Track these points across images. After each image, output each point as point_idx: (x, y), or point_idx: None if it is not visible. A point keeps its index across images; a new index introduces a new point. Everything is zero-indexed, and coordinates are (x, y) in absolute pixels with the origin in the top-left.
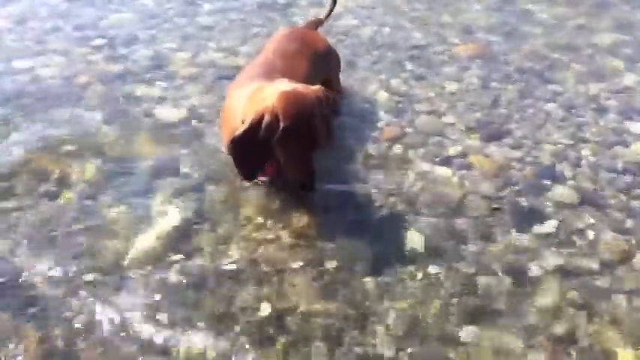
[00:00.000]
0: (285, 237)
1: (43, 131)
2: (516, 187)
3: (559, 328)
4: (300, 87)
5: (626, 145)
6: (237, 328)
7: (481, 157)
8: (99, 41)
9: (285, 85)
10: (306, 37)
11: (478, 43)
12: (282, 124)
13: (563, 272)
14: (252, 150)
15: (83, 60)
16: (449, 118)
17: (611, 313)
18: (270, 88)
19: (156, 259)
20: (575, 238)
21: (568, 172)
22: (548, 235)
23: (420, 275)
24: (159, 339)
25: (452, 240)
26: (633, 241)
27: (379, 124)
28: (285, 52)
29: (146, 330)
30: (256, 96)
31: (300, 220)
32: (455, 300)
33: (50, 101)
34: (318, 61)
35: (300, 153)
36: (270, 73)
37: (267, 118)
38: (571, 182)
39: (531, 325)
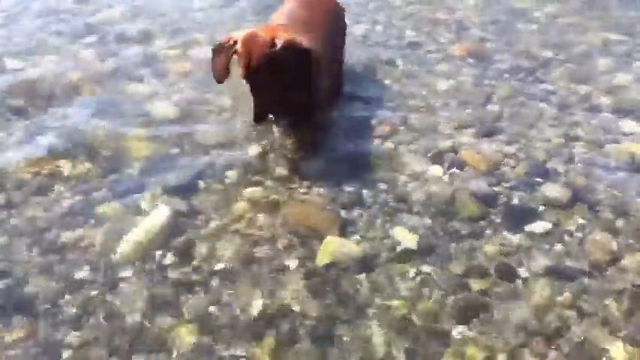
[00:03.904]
0: (277, 234)
1: (34, 128)
2: (508, 185)
3: (550, 327)
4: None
5: (617, 143)
6: (228, 326)
7: (473, 155)
8: (90, 38)
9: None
10: None
11: (471, 40)
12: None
13: (554, 271)
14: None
15: (75, 57)
16: (441, 116)
17: (601, 313)
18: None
19: (146, 255)
20: (566, 237)
21: (560, 170)
22: (539, 234)
23: (412, 274)
24: (151, 333)
25: (444, 238)
26: (623, 241)
27: (371, 122)
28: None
29: (137, 325)
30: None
31: (292, 217)
32: (447, 298)
33: (41, 98)
34: (334, 20)
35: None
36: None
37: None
38: (563, 180)
39: (522, 324)
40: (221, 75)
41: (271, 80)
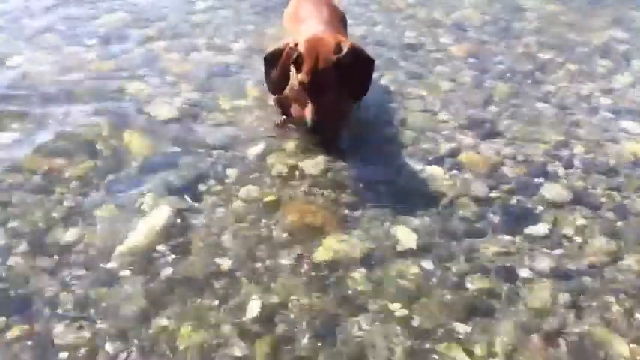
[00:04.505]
0: (277, 233)
1: (34, 128)
2: (508, 186)
3: (550, 326)
4: None
5: (618, 143)
6: (228, 324)
7: (473, 155)
8: (91, 39)
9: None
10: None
11: (471, 41)
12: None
13: (554, 271)
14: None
15: (75, 58)
16: (442, 117)
17: (601, 312)
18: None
19: (145, 255)
20: (566, 238)
21: (560, 171)
22: (539, 234)
23: (411, 273)
24: (150, 333)
25: (444, 238)
26: (623, 242)
27: (372, 123)
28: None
29: (136, 325)
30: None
31: (293, 216)
32: (447, 298)
33: (42, 99)
34: (343, 19)
35: None
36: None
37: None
38: (563, 181)
39: (523, 323)
40: (281, 83)
41: (333, 86)
